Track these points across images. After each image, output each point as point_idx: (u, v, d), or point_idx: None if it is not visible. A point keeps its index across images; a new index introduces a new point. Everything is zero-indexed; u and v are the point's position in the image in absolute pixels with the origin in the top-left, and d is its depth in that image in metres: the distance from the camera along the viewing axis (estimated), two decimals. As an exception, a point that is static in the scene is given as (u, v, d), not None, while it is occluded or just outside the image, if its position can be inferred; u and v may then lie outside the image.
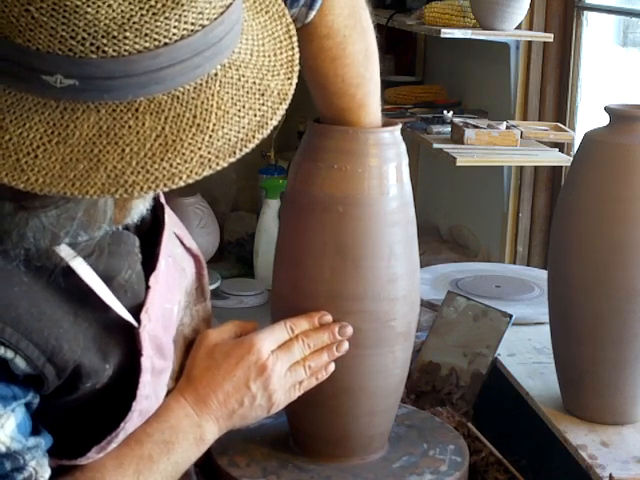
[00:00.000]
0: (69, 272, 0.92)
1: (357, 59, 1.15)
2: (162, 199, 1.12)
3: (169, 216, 1.12)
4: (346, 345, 1.17)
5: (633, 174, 1.29)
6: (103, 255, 0.95)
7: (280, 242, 1.24)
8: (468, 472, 1.27)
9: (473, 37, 2.71)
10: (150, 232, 1.08)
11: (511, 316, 1.57)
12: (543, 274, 1.57)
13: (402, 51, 3.63)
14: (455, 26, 2.78)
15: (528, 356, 1.62)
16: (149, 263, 1.04)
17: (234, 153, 0.81)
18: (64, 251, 0.92)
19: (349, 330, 1.17)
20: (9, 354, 0.88)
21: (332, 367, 1.17)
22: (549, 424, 1.40)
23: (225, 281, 2.90)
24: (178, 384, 1.09)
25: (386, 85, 3.22)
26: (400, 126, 1.21)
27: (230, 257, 3.23)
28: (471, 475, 1.30)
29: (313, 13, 1.10)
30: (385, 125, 1.19)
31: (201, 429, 1.07)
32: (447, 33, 2.68)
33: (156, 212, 1.10)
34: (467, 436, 1.38)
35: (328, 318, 1.17)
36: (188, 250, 1.16)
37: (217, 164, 0.81)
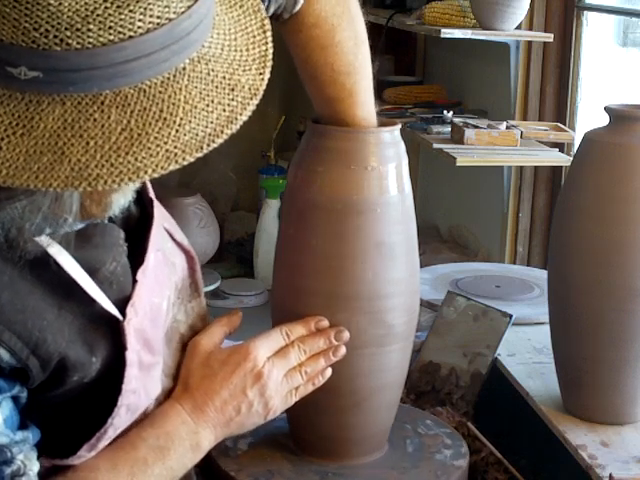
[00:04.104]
0: (53, 265, 0.92)
1: (346, 47, 1.14)
2: (151, 194, 1.12)
3: (159, 211, 1.11)
4: (343, 350, 1.16)
5: (633, 174, 1.29)
6: (86, 247, 0.95)
7: (282, 245, 1.22)
8: (468, 470, 1.27)
9: (473, 37, 2.71)
10: (139, 226, 1.07)
11: (511, 316, 1.57)
12: (543, 274, 1.57)
13: (402, 51, 3.64)
14: (455, 26, 2.78)
15: (528, 356, 1.62)
16: (138, 257, 1.03)
17: (201, 148, 0.81)
18: (45, 241, 0.91)
19: (345, 335, 1.16)
20: None
21: (329, 372, 1.16)
22: (549, 424, 1.40)
23: (225, 281, 2.90)
24: (174, 393, 1.08)
25: (386, 85, 3.23)
26: (400, 126, 1.20)
27: (230, 257, 3.23)
28: (471, 475, 1.30)
29: (301, 2, 1.10)
30: (385, 125, 1.19)
31: (197, 436, 1.06)
32: (447, 33, 2.68)
33: (145, 206, 1.10)
34: (467, 436, 1.38)
35: (325, 323, 1.16)
36: (179, 245, 1.15)
37: (184, 159, 0.80)
